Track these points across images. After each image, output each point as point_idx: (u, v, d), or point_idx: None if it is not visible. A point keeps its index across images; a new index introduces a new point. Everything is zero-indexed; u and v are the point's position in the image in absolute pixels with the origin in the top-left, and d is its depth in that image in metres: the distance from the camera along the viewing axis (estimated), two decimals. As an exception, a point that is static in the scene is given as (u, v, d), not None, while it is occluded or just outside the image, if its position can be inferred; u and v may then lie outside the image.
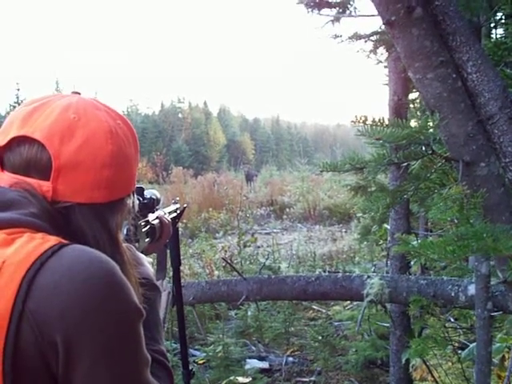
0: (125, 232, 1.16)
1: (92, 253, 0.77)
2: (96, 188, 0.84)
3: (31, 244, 0.74)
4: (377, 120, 1.62)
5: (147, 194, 1.29)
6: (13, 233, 0.76)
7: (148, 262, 1.12)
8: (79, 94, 0.92)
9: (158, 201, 1.31)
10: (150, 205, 1.29)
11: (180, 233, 1.70)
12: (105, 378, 0.74)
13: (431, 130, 1.70)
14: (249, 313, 5.36)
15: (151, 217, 1.29)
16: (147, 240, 1.26)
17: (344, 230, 11.47)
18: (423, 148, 1.78)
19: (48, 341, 0.71)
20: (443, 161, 1.83)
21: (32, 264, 0.72)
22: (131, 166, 0.91)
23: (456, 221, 2.00)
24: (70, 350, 0.71)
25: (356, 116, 1.61)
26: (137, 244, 1.18)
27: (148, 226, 1.27)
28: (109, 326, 0.74)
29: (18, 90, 16.45)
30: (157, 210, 1.35)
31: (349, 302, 5.57)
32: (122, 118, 0.92)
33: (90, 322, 0.72)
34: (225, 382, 3.74)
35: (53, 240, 0.76)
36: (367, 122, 1.61)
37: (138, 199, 1.22)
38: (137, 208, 1.00)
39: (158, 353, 0.95)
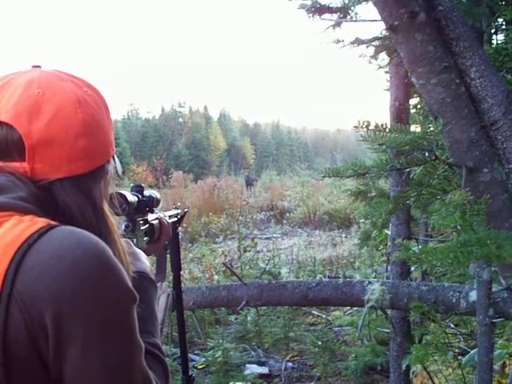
0: (123, 228, 1.15)
1: (81, 233, 0.75)
2: (74, 160, 0.82)
3: (19, 227, 0.73)
4: (380, 125, 1.61)
5: (147, 192, 1.29)
6: (1, 216, 0.75)
7: (145, 258, 1.10)
8: (40, 67, 0.89)
9: (157, 201, 1.30)
10: (150, 203, 1.28)
11: (180, 237, 1.69)
12: (96, 362, 0.72)
13: (434, 136, 1.70)
14: (248, 318, 5.34)
15: (151, 217, 1.29)
16: (146, 239, 1.26)
17: (344, 235, 11.46)
18: (426, 154, 1.77)
19: (38, 323, 0.69)
20: (446, 166, 1.82)
21: (20, 246, 0.71)
22: (106, 132, 0.88)
23: (458, 227, 1.99)
24: (60, 332, 0.69)
25: (359, 121, 1.61)
26: (134, 240, 1.18)
27: (147, 225, 1.26)
28: (99, 307, 0.72)
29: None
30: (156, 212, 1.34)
31: (349, 307, 5.55)
32: (89, 85, 0.89)
33: (79, 303, 0.70)
34: (224, 387, 3.73)
35: (41, 222, 0.75)
36: (370, 128, 1.60)
37: (137, 197, 1.22)
38: (120, 171, 0.98)
39: (152, 346, 0.92)
